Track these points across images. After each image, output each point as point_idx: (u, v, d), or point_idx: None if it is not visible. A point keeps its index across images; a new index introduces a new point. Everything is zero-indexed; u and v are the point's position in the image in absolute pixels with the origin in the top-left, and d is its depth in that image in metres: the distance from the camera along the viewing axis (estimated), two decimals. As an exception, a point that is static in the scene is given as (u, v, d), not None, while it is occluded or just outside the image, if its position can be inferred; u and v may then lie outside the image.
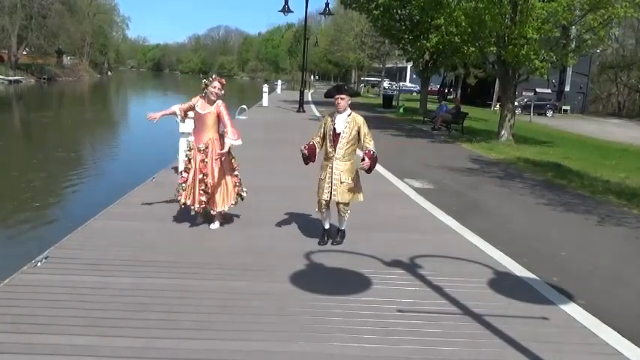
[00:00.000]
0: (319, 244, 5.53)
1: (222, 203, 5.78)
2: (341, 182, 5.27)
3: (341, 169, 5.27)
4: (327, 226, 5.63)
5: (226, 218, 6.09)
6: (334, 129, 5.27)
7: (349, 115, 5.26)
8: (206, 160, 5.64)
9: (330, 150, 5.31)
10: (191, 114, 5.96)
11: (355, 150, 5.37)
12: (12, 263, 5.02)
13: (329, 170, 5.30)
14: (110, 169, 13.83)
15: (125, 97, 52.40)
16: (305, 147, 5.44)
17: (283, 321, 3.75)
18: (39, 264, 4.49)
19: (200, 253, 5.08)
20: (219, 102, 5.63)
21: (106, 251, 4.91)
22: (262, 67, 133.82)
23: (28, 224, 8.41)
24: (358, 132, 5.23)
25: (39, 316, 3.59)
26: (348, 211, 5.53)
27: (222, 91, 5.65)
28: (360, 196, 5.49)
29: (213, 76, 5.69)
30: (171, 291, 4.14)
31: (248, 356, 3.27)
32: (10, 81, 49.07)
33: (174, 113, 5.87)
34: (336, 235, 5.66)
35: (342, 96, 5.22)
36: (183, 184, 5.72)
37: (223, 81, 5.67)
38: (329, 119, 5.37)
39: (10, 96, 40.98)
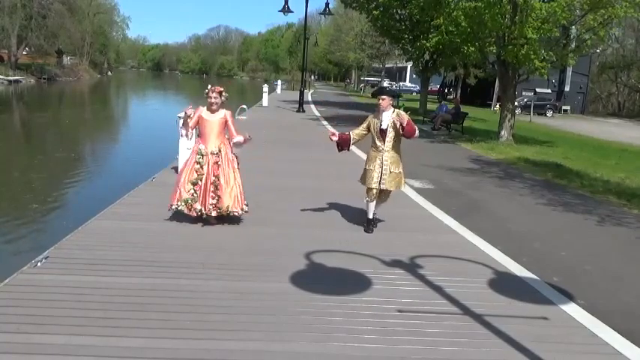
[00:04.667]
0: (366, 231, 6.11)
1: (234, 204, 5.86)
2: (390, 172, 5.91)
3: (390, 160, 5.91)
4: (371, 216, 6.17)
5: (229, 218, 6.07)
6: (380, 125, 5.89)
7: (393, 112, 5.88)
8: (219, 162, 5.82)
9: (379, 144, 5.92)
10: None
11: (400, 142, 5.97)
12: (12, 263, 5.03)
13: (378, 161, 5.92)
14: (110, 169, 13.83)
15: (125, 98, 52.39)
16: (336, 134, 6.19)
17: (283, 321, 3.75)
18: (39, 264, 4.49)
19: (200, 253, 5.07)
20: (226, 111, 5.96)
21: (106, 251, 4.91)
22: (262, 67, 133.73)
23: (28, 224, 8.41)
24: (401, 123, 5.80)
25: (39, 316, 3.59)
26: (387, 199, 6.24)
27: (223, 98, 5.94)
28: (403, 182, 6.16)
29: (209, 87, 5.91)
30: (171, 291, 4.14)
31: (248, 356, 3.27)
32: (10, 81, 48.98)
33: (186, 117, 6.01)
34: (370, 223, 6.21)
35: (383, 97, 5.90)
36: (198, 191, 5.77)
37: (219, 89, 5.93)
38: (374, 118, 5.98)
39: (10, 96, 40.96)
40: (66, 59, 72.33)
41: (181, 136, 6.25)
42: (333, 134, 6.21)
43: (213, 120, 5.89)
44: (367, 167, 6.03)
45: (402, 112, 5.85)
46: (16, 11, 54.67)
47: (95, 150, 18.05)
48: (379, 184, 5.92)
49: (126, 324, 3.54)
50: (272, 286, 4.37)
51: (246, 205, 6.00)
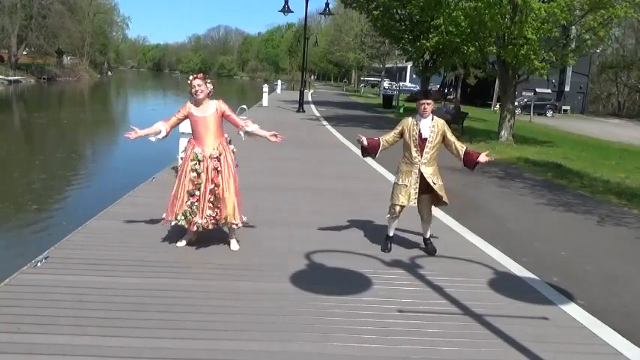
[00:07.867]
0: (383, 250, 5.44)
1: (233, 214, 5.06)
2: (434, 184, 5.19)
3: (429, 172, 5.18)
4: (391, 234, 5.52)
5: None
6: (420, 134, 5.15)
7: (432, 120, 5.19)
8: (219, 167, 4.98)
9: (416, 155, 5.17)
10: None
11: (439, 154, 5.28)
12: (12, 263, 5.03)
13: (414, 176, 5.19)
14: (110, 169, 13.82)
15: (125, 98, 52.38)
16: (365, 138, 5.34)
17: (283, 321, 3.75)
18: (39, 264, 4.49)
19: (200, 253, 5.07)
20: (217, 101, 5.06)
21: (106, 251, 4.91)
22: (262, 67, 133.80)
23: (28, 224, 8.41)
24: (443, 136, 5.18)
25: (39, 316, 3.59)
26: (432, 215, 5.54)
27: (210, 86, 5.03)
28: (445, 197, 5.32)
29: (191, 77, 5.03)
30: (171, 291, 4.14)
31: (248, 356, 3.27)
32: (10, 81, 49.01)
33: (159, 132, 5.07)
34: (427, 243, 5.53)
35: (429, 101, 5.13)
36: (196, 202, 4.97)
37: (201, 75, 5.04)
38: (410, 124, 5.21)
39: (10, 96, 40.97)
40: (66, 59, 72.42)
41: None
42: (362, 138, 5.35)
43: (207, 115, 4.97)
44: (399, 182, 5.25)
45: (447, 129, 5.20)
46: (16, 11, 54.75)
47: (95, 150, 18.05)
48: (408, 200, 5.19)
49: (126, 324, 3.54)
50: (272, 286, 4.37)
51: (245, 216, 5.31)
